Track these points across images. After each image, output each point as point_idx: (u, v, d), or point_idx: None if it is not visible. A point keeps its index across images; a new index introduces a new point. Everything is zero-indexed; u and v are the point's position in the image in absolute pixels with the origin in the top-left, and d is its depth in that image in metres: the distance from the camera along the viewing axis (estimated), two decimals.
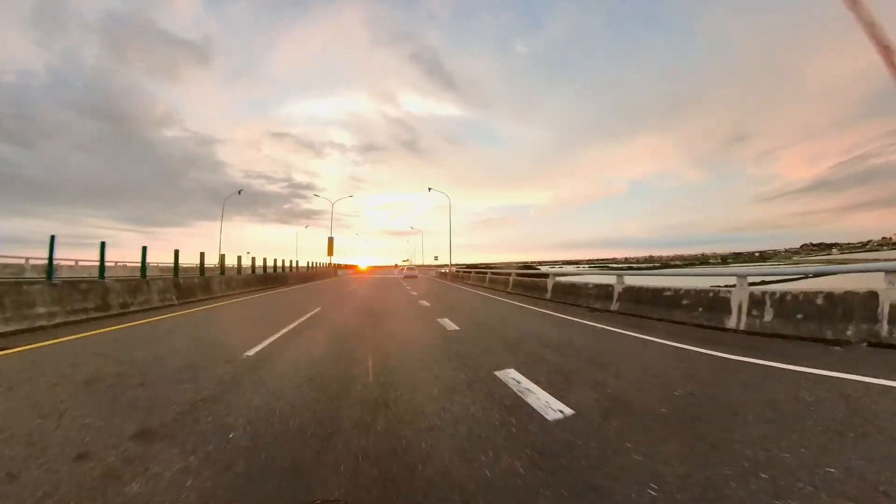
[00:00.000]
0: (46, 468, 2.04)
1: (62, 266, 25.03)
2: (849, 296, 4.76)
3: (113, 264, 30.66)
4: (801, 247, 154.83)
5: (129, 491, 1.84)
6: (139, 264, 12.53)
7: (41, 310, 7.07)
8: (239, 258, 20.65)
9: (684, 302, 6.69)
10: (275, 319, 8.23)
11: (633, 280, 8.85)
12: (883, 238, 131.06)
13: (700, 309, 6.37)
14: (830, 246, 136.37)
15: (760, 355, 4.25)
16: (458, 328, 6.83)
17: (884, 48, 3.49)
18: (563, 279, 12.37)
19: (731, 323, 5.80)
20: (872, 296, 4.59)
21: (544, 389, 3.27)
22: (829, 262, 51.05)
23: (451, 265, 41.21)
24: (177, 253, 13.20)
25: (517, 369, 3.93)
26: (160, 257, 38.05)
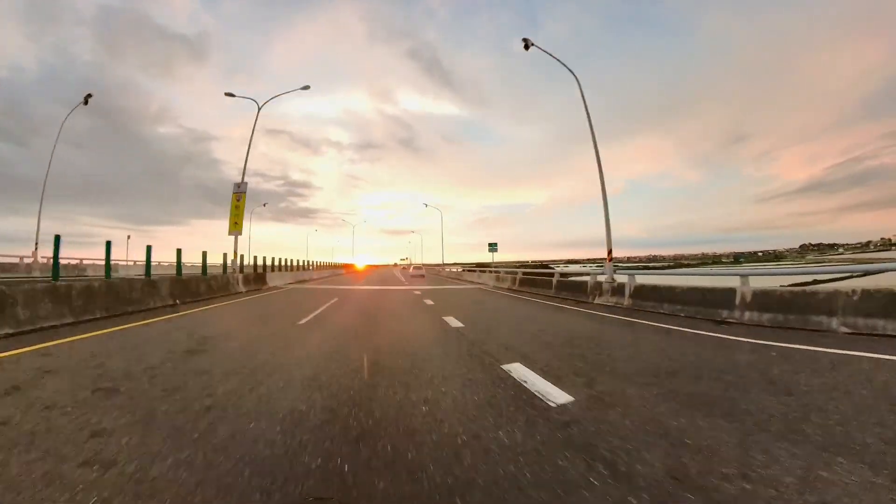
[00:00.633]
0: (233, 369, 3.78)
1: (119, 266, 26.62)
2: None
3: (132, 263, 30.48)
4: (801, 247, 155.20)
5: (272, 383, 3.32)
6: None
7: (156, 300, 9.22)
8: (255, 257, 22.26)
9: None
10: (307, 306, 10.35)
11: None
12: (882, 239, 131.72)
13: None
14: (830, 246, 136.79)
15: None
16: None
17: None
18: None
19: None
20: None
21: None
22: (853, 261, 50.90)
23: (444, 264, 50.22)
24: (204, 254, 14.69)
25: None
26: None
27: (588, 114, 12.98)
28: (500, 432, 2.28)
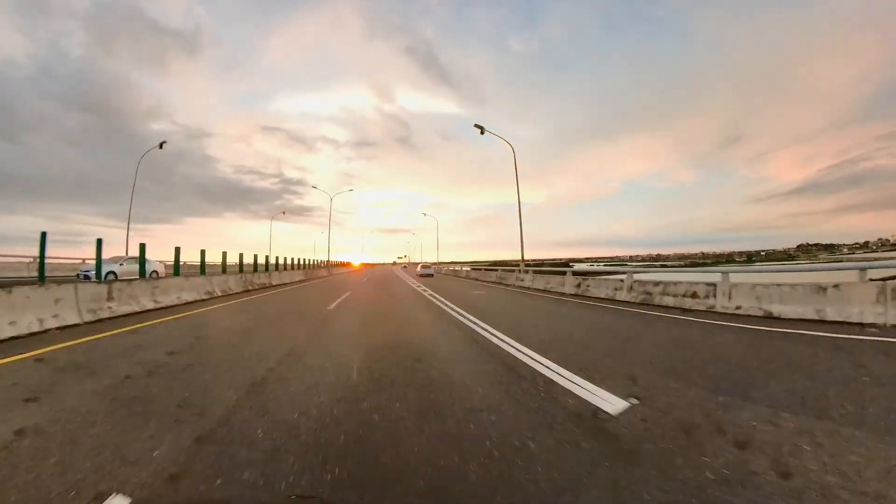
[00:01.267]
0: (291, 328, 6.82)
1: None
2: None
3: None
4: (798, 247, 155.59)
5: (315, 348, 4.96)
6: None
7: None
8: (267, 257, 23.78)
9: None
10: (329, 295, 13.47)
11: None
12: (879, 239, 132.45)
13: None
14: (829, 247, 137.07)
15: None
16: None
17: None
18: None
19: None
20: None
21: None
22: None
23: (440, 263, 53.47)
24: (224, 254, 17.49)
25: None
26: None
27: (517, 180, 20.91)
28: None
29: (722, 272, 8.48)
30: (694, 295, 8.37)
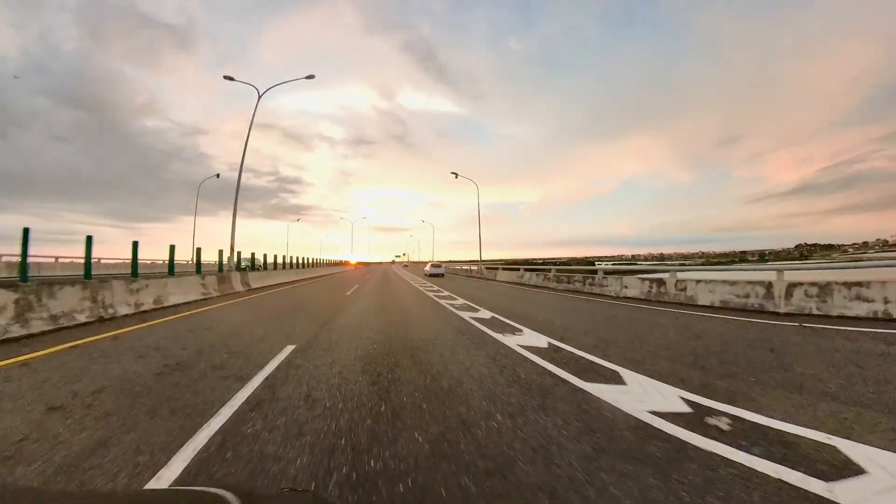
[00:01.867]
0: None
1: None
2: None
3: (150, 262, 30.07)
4: (796, 247, 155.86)
5: (340, 320, 7.33)
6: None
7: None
8: (274, 256, 24.94)
9: None
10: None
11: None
12: (877, 240, 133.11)
13: None
14: (828, 247, 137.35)
15: None
16: None
17: None
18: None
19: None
20: None
21: None
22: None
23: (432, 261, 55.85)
24: (245, 253, 21.13)
25: None
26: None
27: (480, 215, 28.70)
28: None
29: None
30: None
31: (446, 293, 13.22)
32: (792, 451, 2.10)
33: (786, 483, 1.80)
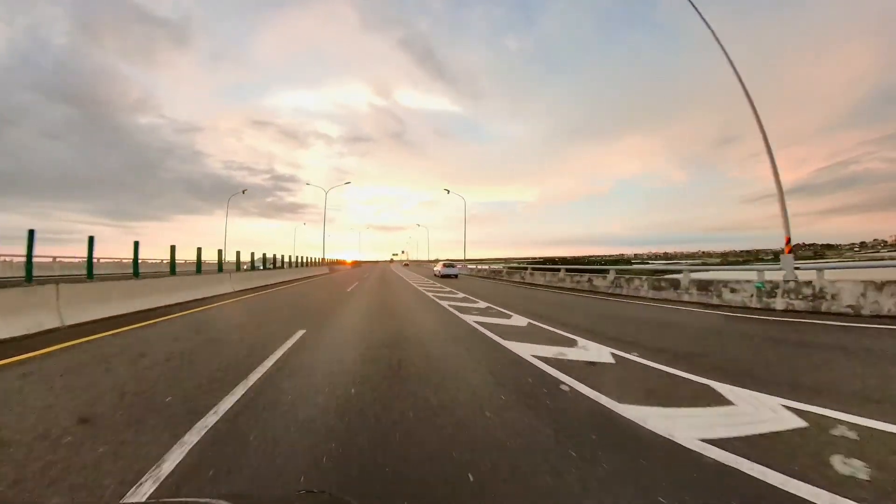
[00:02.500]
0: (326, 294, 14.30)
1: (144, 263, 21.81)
2: None
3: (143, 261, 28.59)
4: (794, 246, 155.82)
5: (344, 307, 9.76)
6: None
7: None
8: (276, 256, 26.04)
9: None
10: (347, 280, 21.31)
11: None
12: (874, 240, 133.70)
13: None
14: (826, 247, 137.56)
15: None
16: None
17: None
18: None
19: None
20: None
21: None
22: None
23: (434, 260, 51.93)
24: (245, 253, 20.06)
25: None
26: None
27: (465, 227, 36.08)
28: None
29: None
30: None
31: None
32: None
33: None
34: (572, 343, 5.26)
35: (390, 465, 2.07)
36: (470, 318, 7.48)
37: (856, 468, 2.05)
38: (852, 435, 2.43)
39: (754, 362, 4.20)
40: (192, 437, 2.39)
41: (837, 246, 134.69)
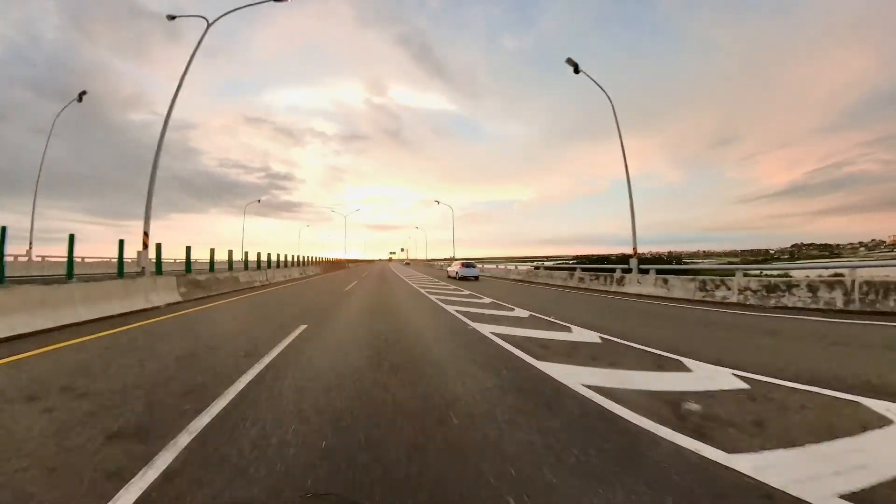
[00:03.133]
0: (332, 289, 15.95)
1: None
2: None
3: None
4: (792, 246, 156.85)
5: (345, 303, 10.97)
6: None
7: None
8: (273, 255, 24.16)
9: None
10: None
11: None
12: (872, 240, 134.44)
13: None
14: (825, 247, 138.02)
15: None
16: None
17: None
18: None
19: None
20: None
21: None
22: None
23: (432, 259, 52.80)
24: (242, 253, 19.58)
25: None
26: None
27: (454, 236, 32.82)
28: None
29: None
30: None
31: None
32: None
33: None
34: None
35: None
36: None
37: None
38: None
39: None
40: None
41: (835, 246, 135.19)
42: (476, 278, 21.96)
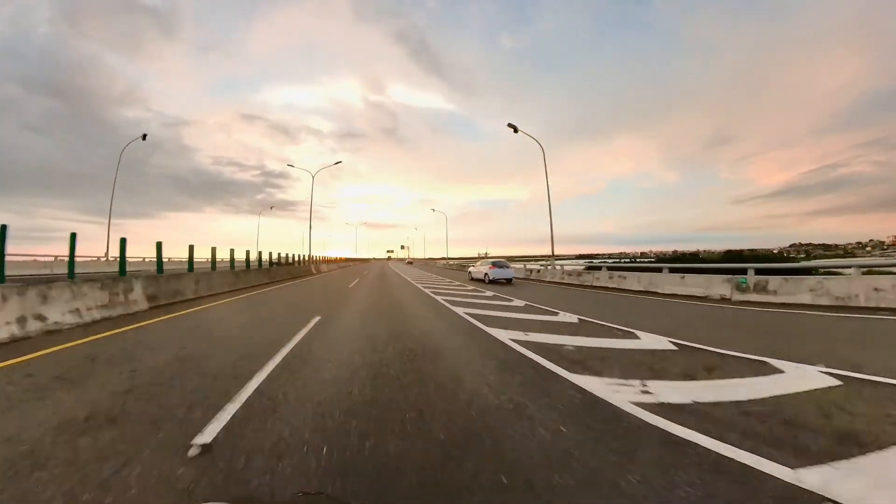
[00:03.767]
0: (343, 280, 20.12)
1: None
2: None
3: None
4: (791, 246, 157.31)
5: (353, 292, 13.15)
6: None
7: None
8: (273, 254, 23.59)
9: None
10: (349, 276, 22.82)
11: None
12: (870, 240, 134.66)
13: None
14: (824, 247, 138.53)
15: None
16: None
17: None
18: None
19: None
20: None
21: None
22: None
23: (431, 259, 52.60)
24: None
25: None
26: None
27: (447, 241, 62.70)
28: None
29: None
30: None
31: None
32: None
33: None
34: None
35: None
36: None
37: None
38: None
39: None
40: None
41: (834, 246, 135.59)
42: (509, 281, 18.47)
